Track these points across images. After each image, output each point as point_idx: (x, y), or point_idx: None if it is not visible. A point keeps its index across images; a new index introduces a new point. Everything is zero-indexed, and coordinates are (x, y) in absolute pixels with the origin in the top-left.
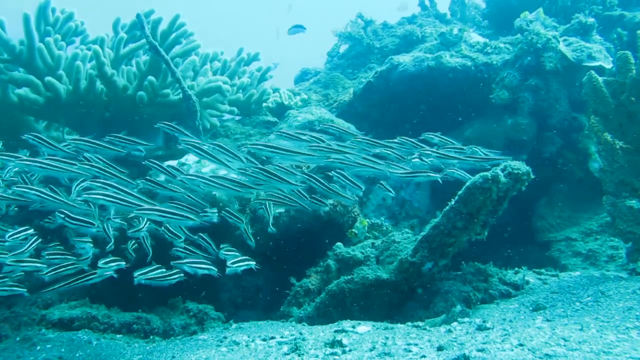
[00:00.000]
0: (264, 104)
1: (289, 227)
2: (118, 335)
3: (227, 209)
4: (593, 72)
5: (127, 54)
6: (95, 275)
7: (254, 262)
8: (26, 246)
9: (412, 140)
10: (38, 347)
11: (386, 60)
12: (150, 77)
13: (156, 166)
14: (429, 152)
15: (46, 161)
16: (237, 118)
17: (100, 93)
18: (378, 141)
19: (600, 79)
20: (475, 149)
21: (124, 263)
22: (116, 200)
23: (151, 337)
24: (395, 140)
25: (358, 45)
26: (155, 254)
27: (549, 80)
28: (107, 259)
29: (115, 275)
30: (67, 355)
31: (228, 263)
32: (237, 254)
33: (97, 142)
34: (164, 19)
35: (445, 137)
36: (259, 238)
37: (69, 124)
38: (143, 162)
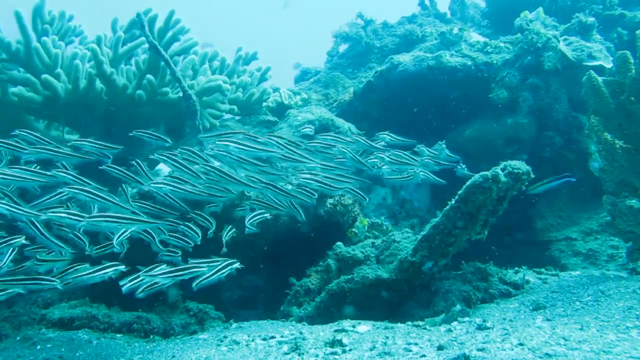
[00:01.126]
0: (264, 104)
1: (289, 227)
2: (118, 335)
3: (197, 212)
4: (592, 71)
5: (126, 53)
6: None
7: (237, 264)
8: (2, 263)
9: (364, 139)
10: (38, 347)
11: (386, 60)
12: (149, 76)
13: (115, 171)
14: (383, 156)
15: (8, 172)
16: (238, 118)
17: (100, 92)
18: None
19: (600, 78)
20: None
21: (123, 267)
22: (77, 218)
23: (151, 336)
24: (348, 139)
25: (358, 45)
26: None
27: (549, 80)
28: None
29: (114, 277)
30: (67, 354)
31: (194, 284)
32: (211, 264)
33: (58, 149)
34: (159, 15)
35: (394, 136)
36: (261, 238)
37: (69, 124)
38: (100, 167)
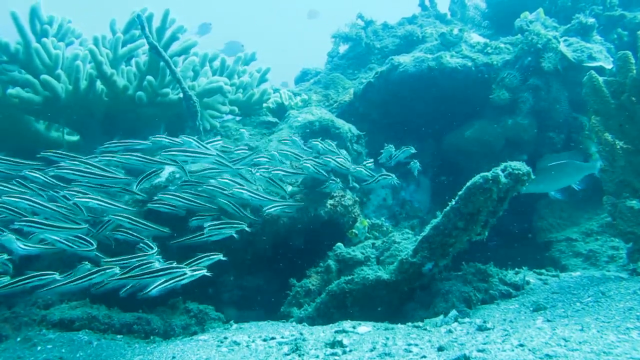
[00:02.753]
0: (265, 105)
1: (289, 228)
2: (118, 336)
3: (130, 216)
4: (593, 72)
5: (126, 54)
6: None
7: (204, 270)
8: None
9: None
10: (39, 348)
11: (386, 61)
12: (149, 77)
13: (37, 177)
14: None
15: None
16: (238, 118)
17: (100, 93)
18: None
19: (601, 79)
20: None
21: (117, 270)
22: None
23: (151, 337)
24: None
25: (358, 46)
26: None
27: (549, 81)
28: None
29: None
30: (67, 355)
31: (147, 290)
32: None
33: None
34: (155, 15)
35: (325, 144)
36: (261, 238)
37: (69, 125)
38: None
